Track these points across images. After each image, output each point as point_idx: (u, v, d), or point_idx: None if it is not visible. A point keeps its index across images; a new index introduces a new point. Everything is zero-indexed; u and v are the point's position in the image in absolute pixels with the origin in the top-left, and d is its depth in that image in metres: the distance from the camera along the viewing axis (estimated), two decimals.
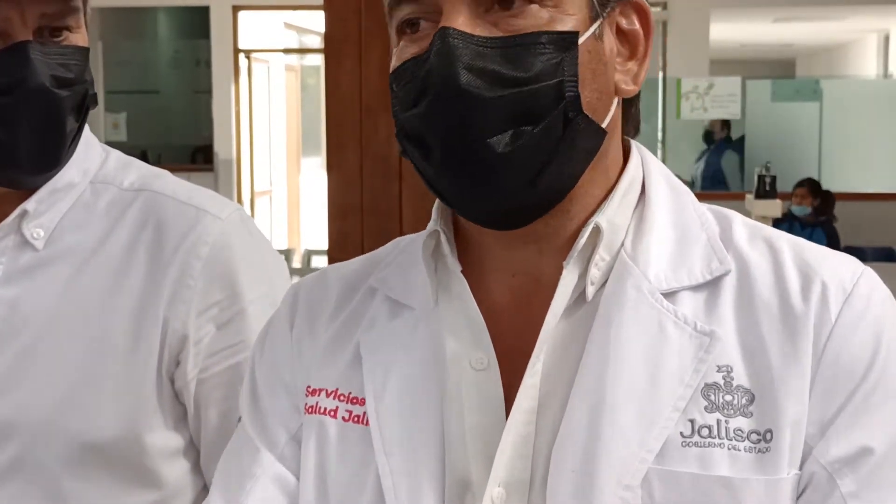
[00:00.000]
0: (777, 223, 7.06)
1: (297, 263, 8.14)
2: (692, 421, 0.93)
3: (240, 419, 1.14)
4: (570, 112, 0.95)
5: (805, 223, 7.79)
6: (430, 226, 1.04)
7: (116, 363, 1.35)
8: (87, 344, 1.35)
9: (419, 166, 0.99)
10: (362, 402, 1.03)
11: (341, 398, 1.05)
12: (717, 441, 0.92)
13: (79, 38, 1.35)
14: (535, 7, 0.95)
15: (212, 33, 10.76)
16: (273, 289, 1.44)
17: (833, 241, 7.69)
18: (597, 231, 0.98)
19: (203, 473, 1.45)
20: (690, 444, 0.92)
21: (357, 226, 2.38)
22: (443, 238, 1.03)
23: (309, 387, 1.07)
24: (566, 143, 0.95)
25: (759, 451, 0.92)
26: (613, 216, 1.00)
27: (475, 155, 0.94)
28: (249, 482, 1.07)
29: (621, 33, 1.01)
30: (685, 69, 9.52)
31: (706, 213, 1.04)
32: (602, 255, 0.99)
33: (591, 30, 0.97)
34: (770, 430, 0.92)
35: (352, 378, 1.05)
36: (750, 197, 7.29)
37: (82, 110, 1.37)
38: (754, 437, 0.92)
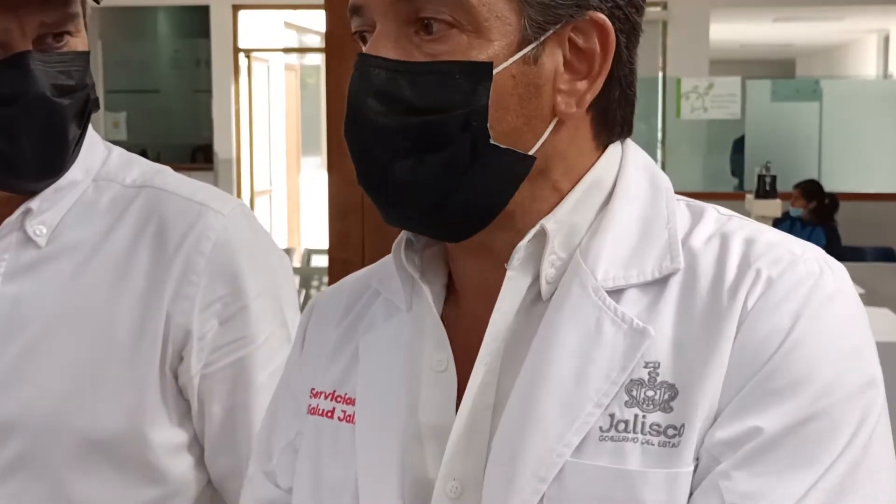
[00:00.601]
0: (777, 223, 7.07)
1: (297, 263, 8.14)
2: (612, 416, 0.94)
3: None
4: (478, 142, 0.95)
5: (805, 223, 7.79)
6: (403, 232, 1.06)
7: (120, 359, 1.35)
8: (91, 340, 1.35)
9: None
10: (353, 401, 1.06)
11: (338, 399, 1.08)
12: (630, 436, 0.93)
13: (79, 42, 1.35)
14: (454, 32, 0.94)
15: (212, 33, 10.76)
16: (276, 284, 1.45)
17: (832, 242, 7.69)
18: (542, 233, 0.99)
19: (207, 469, 1.45)
20: (606, 439, 0.94)
21: (358, 225, 2.38)
22: (402, 245, 1.05)
23: (313, 389, 1.10)
24: (476, 171, 0.96)
25: (672, 445, 0.92)
26: (570, 217, 1.01)
27: (381, 179, 0.97)
28: (245, 496, 1.17)
29: (577, 50, 0.98)
30: (685, 69, 9.52)
31: (681, 211, 1.03)
32: (558, 255, 1.00)
33: (519, 55, 0.96)
34: (684, 425, 0.92)
35: (348, 379, 1.08)
36: (750, 197, 7.29)
37: (84, 115, 1.37)
38: (670, 431, 0.93)
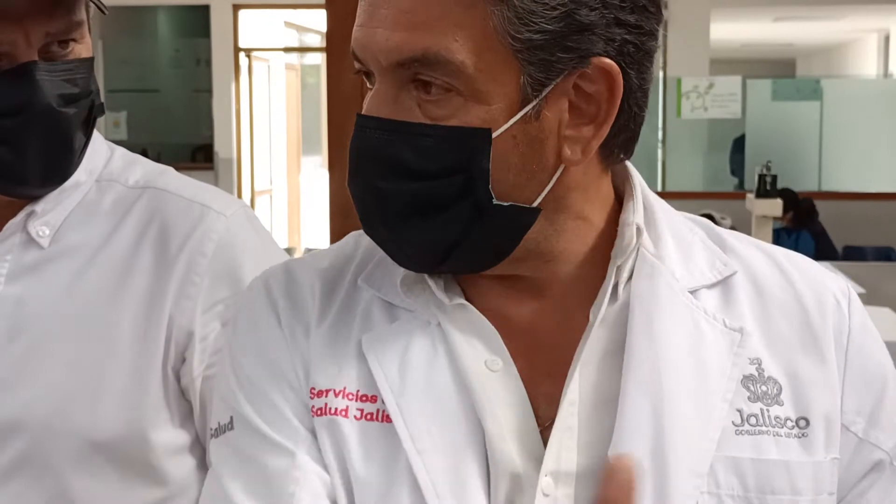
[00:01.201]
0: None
1: None
2: (740, 411, 0.99)
3: (230, 425, 1.06)
4: (481, 203, 0.95)
5: (790, 231, 7.82)
6: None
7: (122, 360, 1.35)
8: (92, 341, 1.35)
9: None
10: (373, 399, 1.02)
11: (350, 397, 1.03)
12: (763, 428, 0.99)
13: (83, 48, 1.35)
14: (452, 95, 0.94)
15: (212, 32, 10.76)
16: None
17: (821, 242, 7.70)
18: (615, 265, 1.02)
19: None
20: (742, 433, 0.99)
21: (358, 223, 2.38)
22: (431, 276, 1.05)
23: (313, 388, 1.04)
24: (479, 227, 0.97)
25: (797, 436, 1.00)
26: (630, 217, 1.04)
27: (383, 234, 1.00)
28: (292, 486, 1.01)
29: (583, 94, 0.96)
30: (685, 68, 9.52)
31: (687, 221, 1.10)
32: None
33: (518, 116, 0.94)
34: (804, 418, 1.00)
35: (359, 376, 1.03)
36: (751, 196, 7.28)
37: (90, 122, 1.37)
38: (790, 423, 1.00)
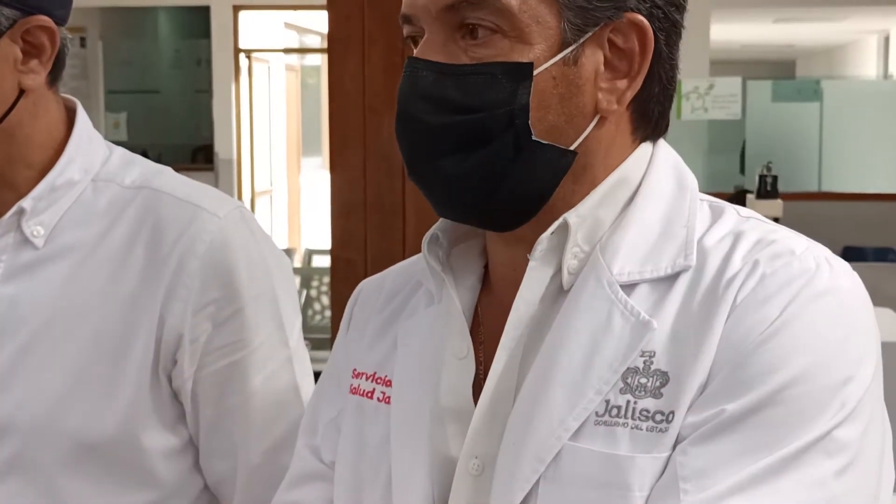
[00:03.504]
0: None
1: (297, 263, 8.13)
2: (607, 402, 0.99)
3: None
4: (521, 139, 1.01)
5: None
6: (433, 227, 1.12)
7: (112, 362, 1.35)
8: (84, 342, 1.35)
9: None
10: (391, 383, 1.13)
11: (378, 381, 1.15)
12: (622, 420, 0.98)
13: None
14: (498, 37, 1.01)
15: (212, 33, 10.76)
16: (273, 287, 1.43)
17: None
18: (566, 226, 1.04)
19: (202, 473, 1.45)
20: (600, 423, 0.98)
21: (360, 223, 2.38)
22: (426, 240, 1.11)
23: (355, 370, 1.17)
24: (520, 165, 1.02)
25: (660, 430, 0.97)
26: (594, 211, 1.05)
27: (429, 175, 1.04)
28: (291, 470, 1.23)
29: (617, 50, 1.03)
30: (686, 70, 9.41)
31: (703, 211, 1.07)
32: (581, 248, 1.05)
33: (558, 57, 1.01)
34: (672, 412, 0.96)
35: (387, 362, 1.15)
36: (751, 197, 7.30)
37: None
38: (658, 416, 0.97)
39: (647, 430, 0.97)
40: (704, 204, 1.08)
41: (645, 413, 0.97)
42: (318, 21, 11.73)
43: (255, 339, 1.41)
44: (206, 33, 10.87)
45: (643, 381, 0.98)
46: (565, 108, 1.02)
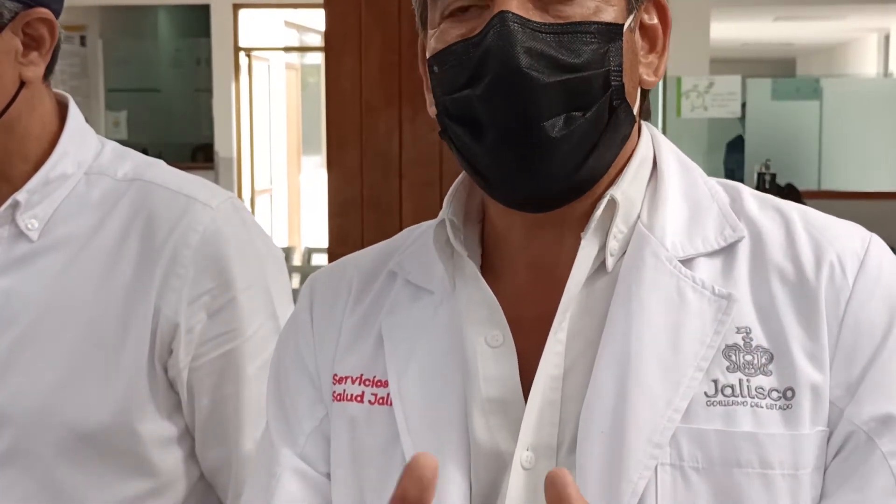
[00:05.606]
0: None
1: (297, 261, 8.13)
2: (715, 381, 0.97)
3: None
4: (616, 100, 0.99)
5: None
6: (440, 215, 1.07)
7: (108, 352, 1.36)
8: (79, 333, 1.36)
9: (463, 147, 1.01)
10: (386, 384, 1.07)
11: (366, 383, 1.08)
12: (740, 399, 0.97)
13: None
14: None
15: (212, 31, 10.76)
16: (266, 277, 1.45)
17: None
18: (612, 204, 1.02)
19: (198, 462, 1.46)
20: (715, 403, 0.97)
21: (357, 221, 2.39)
22: (448, 226, 1.06)
23: (336, 375, 1.10)
24: (610, 129, 1.00)
25: (781, 407, 0.96)
26: (628, 190, 1.04)
27: (530, 137, 0.96)
28: (273, 482, 1.11)
29: (643, 27, 1.05)
30: (685, 68, 9.52)
31: (716, 186, 1.08)
32: (620, 228, 1.03)
33: (628, 21, 1.01)
34: (790, 388, 0.97)
35: (375, 362, 1.08)
36: None
37: None
38: (775, 394, 0.97)
39: (767, 407, 0.96)
40: (712, 180, 1.09)
41: (760, 391, 0.96)
42: (319, 19, 11.72)
43: (249, 328, 1.42)
44: (206, 32, 10.87)
45: (748, 358, 0.97)
46: (632, 73, 1.02)
